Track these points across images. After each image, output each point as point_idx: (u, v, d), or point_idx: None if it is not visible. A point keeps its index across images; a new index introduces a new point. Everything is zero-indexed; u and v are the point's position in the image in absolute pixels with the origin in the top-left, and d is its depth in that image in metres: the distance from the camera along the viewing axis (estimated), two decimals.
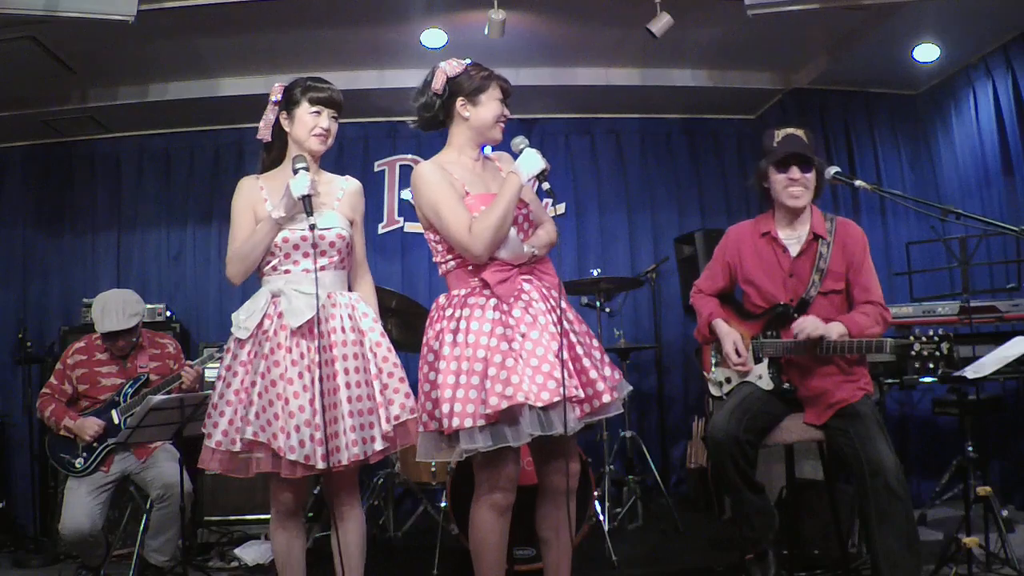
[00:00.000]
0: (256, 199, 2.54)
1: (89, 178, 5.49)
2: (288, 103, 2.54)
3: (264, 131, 2.60)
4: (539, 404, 2.24)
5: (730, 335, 2.92)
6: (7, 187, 5.43)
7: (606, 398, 2.37)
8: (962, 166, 4.96)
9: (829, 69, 4.95)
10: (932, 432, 4.83)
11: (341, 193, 2.63)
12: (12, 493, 4.97)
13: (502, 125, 2.55)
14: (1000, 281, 4.32)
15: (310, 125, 2.51)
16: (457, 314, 2.37)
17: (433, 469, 4.07)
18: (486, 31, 4.09)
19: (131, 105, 5.02)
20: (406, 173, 5.61)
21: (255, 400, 2.38)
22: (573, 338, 2.41)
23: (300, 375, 2.39)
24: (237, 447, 2.40)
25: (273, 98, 2.57)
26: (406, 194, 5.58)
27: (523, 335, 2.33)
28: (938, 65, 4.87)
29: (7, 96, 4.77)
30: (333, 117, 2.56)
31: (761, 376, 2.87)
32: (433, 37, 4.55)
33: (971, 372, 3.09)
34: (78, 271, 5.40)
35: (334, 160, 5.54)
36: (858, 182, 2.80)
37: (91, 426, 3.44)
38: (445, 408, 2.28)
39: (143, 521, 3.58)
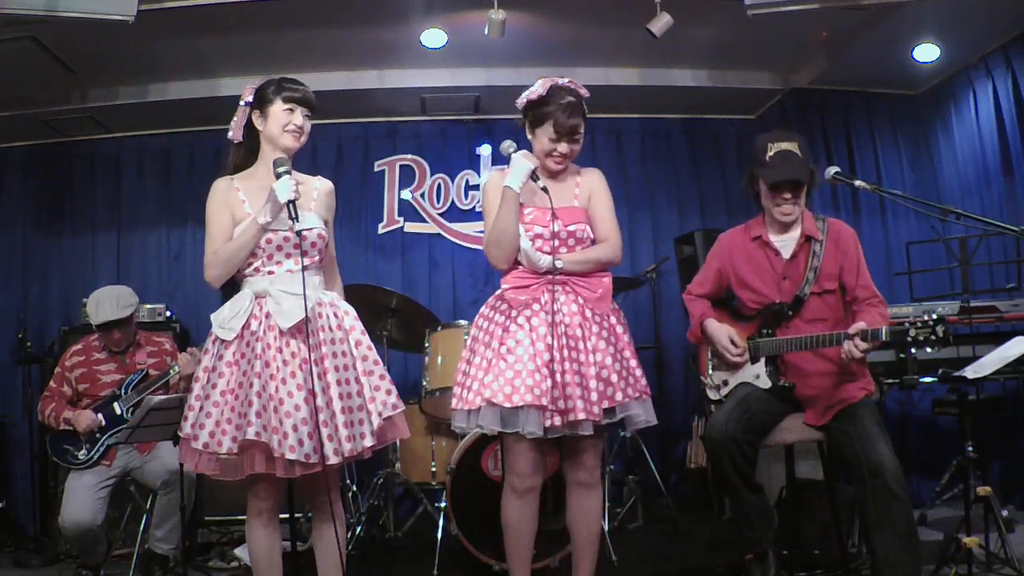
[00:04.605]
0: (234, 201, 2.51)
1: (89, 178, 5.49)
2: (260, 101, 2.52)
3: (236, 131, 2.58)
4: (507, 404, 2.49)
5: (722, 330, 2.94)
6: (7, 187, 5.43)
7: (581, 415, 2.49)
8: (962, 166, 4.96)
9: (829, 69, 4.94)
10: (932, 432, 4.83)
11: (315, 193, 2.63)
12: (12, 493, 4.96)
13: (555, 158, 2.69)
14: (1000, 281, 4.31)
15: (283, 121, 2.50)
16: (486, 312, 2.72)
17: (433, 469, 4.07)
18: (486, 31, 4.08)
19: (131, 105, 5.01)
20: (406, 173, 5.61)
21: (254, 400, 2.34)
22: (569, 354, 2.53)
23: (292, 374, 2.38)
24: (224, 449, 2.37)
25: (244, 100, 2.55)
26: (406, 194, 5.59)
27: (518, 341, 2.55)
28: (938, 65, 4.87)
29: (7, 96, 4.77)
30: (306, 116, 2.54)
31: (759, 375, 2.88)
32: (433, 37, 4.55)
33: (971, 372, 3.09)
34: (78, 271, 5.39)
35: (334, 160, 5.56)
36: (858, 182, 2.81)
37: (87, 419, 3.45)
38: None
39: (143, 520, 3.58)
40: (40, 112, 5.01)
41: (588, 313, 2.60)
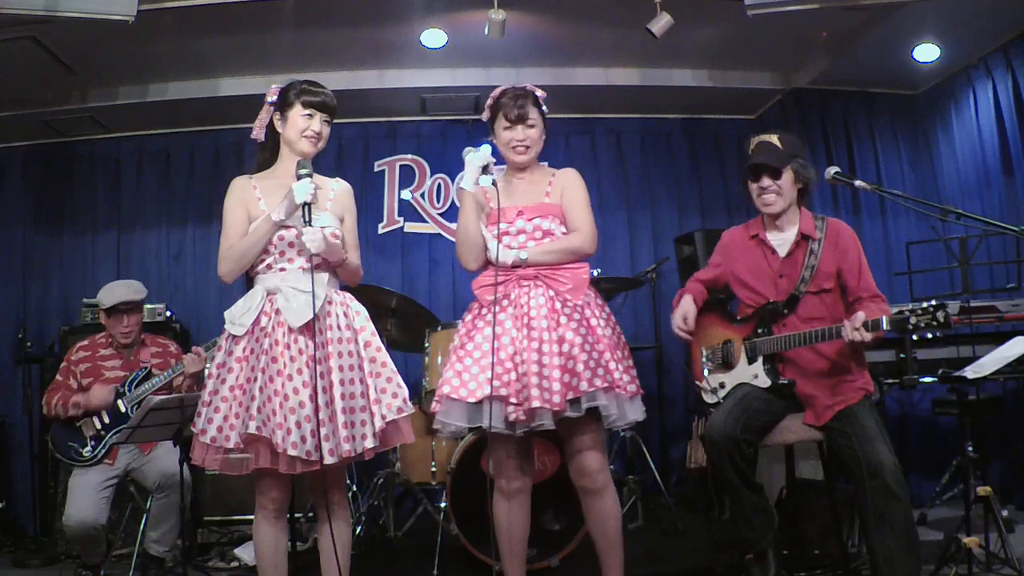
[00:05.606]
0: (249, 198, 2.56)
1: (89, 178, 5.49)
2: (282, 104, 2.58)
3: (258, 131, 2.65)
4: (470, 400, 2.54)
5: (684, 305, 2.99)
6: (7, 187, 5.43)
7: (536, 403, 2.48)
8: (962, 166, 4.96)
9: (829, 69, 4.95)
10: (932, 432, 4.83)
11: (332, 194, 2.68)
12: (12, 493, 4.96)
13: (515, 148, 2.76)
14: (1000, 281, 4.32)
15: (301, 127, 2.56)
16: (464, 317, 2.76)
17: (433, 469, 4.07)
18: (486, 31, 4.09)
19: (131, 105, 5.02)
20: (406, 173, 5.61)
21: (256, 395, 2.38)
22: (529, 344, 2.54)
23: (299, 371, 2.40)
24: (231, 443, 2.39)
25: (269, 99, 2.61)
26: (406, 194, 5.59)
27: (484, 337, 2.59)
28: (938, 65, 4.88)
29: (7, 96, 4.77)
30: (326, 121, 2.60)
31: (757, 375, 2.87)
32: (433, 37, 4.55)
33: (971, 372, 3.09)
34: (78, 271, 5.40)
35: (334, 160, 5.55)
36: (858, 182, 2.81)
37: (100, 395, 3.48)
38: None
39: (143, 520, 3.58)
40: (40, 112, 5.02)
41: (558, 305, 2.59)
